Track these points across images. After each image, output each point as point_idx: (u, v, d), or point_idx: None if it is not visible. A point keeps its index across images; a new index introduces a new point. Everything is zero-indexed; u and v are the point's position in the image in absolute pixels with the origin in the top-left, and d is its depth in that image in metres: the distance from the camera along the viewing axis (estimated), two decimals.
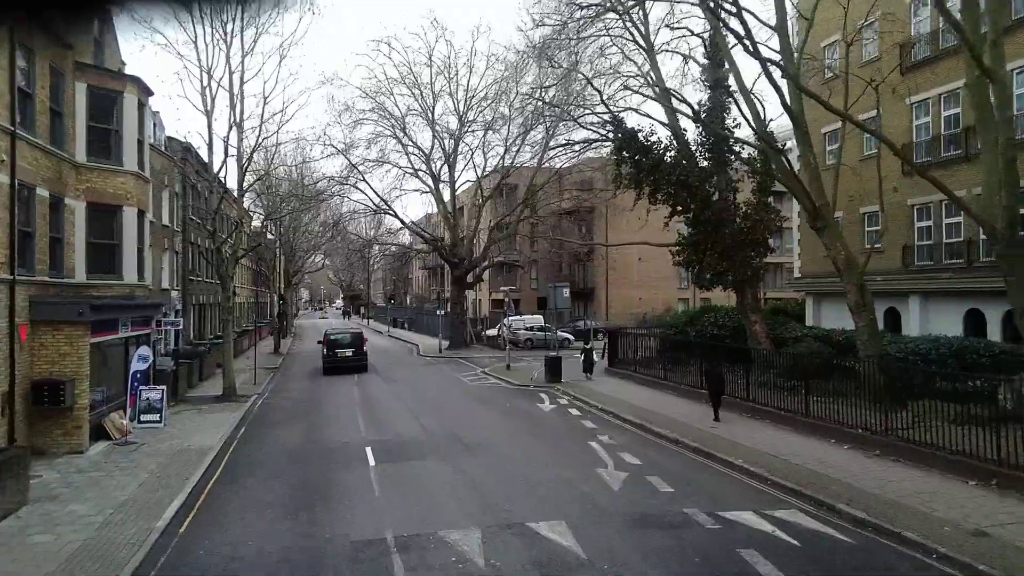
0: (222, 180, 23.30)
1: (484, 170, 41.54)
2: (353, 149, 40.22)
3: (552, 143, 36.47)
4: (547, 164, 40.34)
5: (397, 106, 40.42)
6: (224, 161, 22.86)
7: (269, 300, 57.93)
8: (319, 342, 33.68)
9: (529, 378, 27.55)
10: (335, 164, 49.40)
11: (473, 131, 40.41)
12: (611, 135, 25.67)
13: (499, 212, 45.17)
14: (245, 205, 41.66)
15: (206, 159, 23.39)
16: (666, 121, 25.31)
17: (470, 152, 43.93)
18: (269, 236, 51.63)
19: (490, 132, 39.26)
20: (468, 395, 24.67)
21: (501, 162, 39.59)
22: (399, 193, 47.19)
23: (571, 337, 42.94)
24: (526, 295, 56.85)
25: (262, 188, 34.84)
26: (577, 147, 33.55)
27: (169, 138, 32.31)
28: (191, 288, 34.25)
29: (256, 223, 63.32)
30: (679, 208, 24.35)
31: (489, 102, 38.98)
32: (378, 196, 41.21)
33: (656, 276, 55.42)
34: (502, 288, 58.21)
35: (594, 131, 27.99)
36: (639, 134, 24.08)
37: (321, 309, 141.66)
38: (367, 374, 30.87)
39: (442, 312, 40.86)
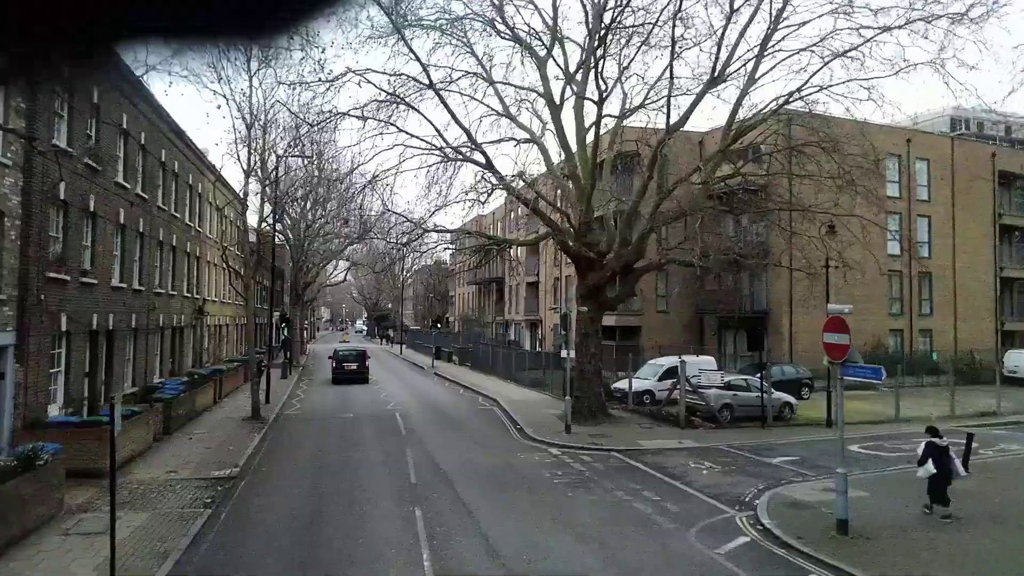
0: None
1: (645, 96, 22.29)
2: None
3: None
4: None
5: None
6: None
7: (254, 322, 40.56)
8: (329, 357, 39.60)
9: None
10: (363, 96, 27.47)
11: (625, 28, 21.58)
12: None
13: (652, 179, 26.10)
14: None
15: None
16: None
17: (623, 59, 23.40)
18: (266, 226, 33.18)
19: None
20: None
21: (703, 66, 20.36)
22: (470, 148, 24.99)
23: (793, 400, 23.63)
24: (650, 320, 37.57)
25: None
26: None
27: None
28: (53, 295, 15.76)
29: (251, 219, 44.96)
30: None
31: None
32: (459, 125, 21.91)
33: (859, 295, 35.98)
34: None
35: None
36: None
37: (343, 330, 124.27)
38: None
39: (570, 355, 21.10)
